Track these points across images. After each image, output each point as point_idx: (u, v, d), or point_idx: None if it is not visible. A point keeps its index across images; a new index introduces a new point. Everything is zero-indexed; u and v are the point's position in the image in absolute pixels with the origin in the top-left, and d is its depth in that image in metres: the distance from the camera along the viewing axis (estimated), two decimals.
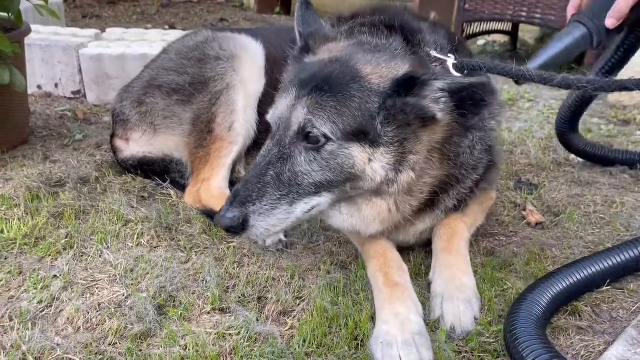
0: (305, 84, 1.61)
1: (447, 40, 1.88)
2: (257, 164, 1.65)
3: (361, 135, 1.56)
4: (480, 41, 6.09)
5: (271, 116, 1.70)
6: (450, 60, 1.73)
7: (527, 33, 5.94)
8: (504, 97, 3.97)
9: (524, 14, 4.62)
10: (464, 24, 5.06)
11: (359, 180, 1.61)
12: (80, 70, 3.62)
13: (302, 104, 1.57)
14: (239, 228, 1.56)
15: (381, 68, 1.62)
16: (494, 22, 5.36)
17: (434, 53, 1.75)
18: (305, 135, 1.57)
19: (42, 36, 3.70)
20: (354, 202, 1.71)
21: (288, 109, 1.62)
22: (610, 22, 1.83)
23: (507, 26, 5.67)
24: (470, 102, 1.54)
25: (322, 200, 1.63)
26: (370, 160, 1.58)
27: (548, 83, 1.68)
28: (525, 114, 3.71)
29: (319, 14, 1.93)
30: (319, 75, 1.61)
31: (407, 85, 1.55)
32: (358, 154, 1.57)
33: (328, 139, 1.55)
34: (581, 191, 2.53)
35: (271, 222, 1.58)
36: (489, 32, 5.64)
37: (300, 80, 1.63)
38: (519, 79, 1.72)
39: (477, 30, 5.41)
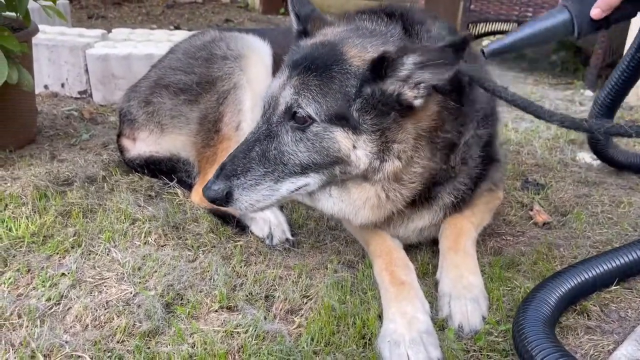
0: (296, 65, 1.66)
1: (449, 35, 1.87)
2: (246, 139, 1.70)
3: (343, 120, 1.58)
4: (485, 42, 6.08)
5: (264, 95, 1.75)
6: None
7: None
8: None
9: (529, 14, 4.62)
10: (469, 25, 5.05)
11: (347, 164, 1.63)
12: (86, 70, 3.63)
13: (291, 84, 1.62)
14: (222, 200, 1.63)
15: (367, 52, 1.63)
16: (500, 23, 5.35)
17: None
18: (292, 115, 1.61)
19: (48, 36, 3.72)
20: (345, 186, 1.72)
21: (279, 88, 1.66)
22: (596, 12, 1.69)
23: (513, 27, 5.66)
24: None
25: (310, 180, 1.66)
26: (354, 146, 1.60)
27: (523, 109, 1.65)
28: None
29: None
30: (308, 56, 1.65)
31: (380, 65, 1.55)
32: (342, 139, 1.59)
33: (312, 119, 1.59)
34: (588, 191, 2.53)
35: (255, 197, 1.63)
36: (494, 33, 5.62)
37: (293, 62, 1.68)
38: (495, 96, 1.71)
39: (483, 31, 5.39)
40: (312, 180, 1.66)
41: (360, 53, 1.62)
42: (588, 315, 1.69)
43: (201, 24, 6.95)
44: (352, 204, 1.73)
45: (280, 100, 1.64)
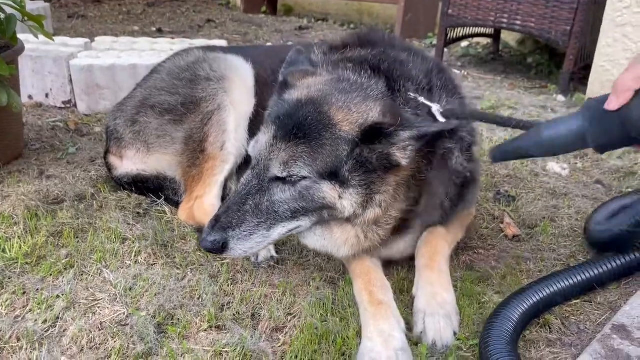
0: (282, 125, 1.72)
1: (440, 83, 1.97)
2: (238, 192, 1.78)
3: (332, 175, 1.70)
4: (464, 43, 6.22)
5: (252, 149, 1.82)
6: (435, 107, 1.81)
7: (510, 35, 6.08)
8: (485, 105, 4.10)
9: (504, 20, 4.74)
10: (448, 29, 5.17)
11: (333, 210, 1.76)
12: (70, 81, 3.68)
13: (281, 155, 1.69)
14: (218, 250, 1.73)
15: (352, 114, 1.71)
16: (476, 28, 5.49)
17: (421, 99, 1.82)
18: (283, 178, 1.71)
19: (32, 46, 3.73)
20: (328, 226, 1.84)
21: (266, 146, 1.73)
22: (612, 100, 1.43)
23: (490, 30, 5.80)
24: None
25: (302, 223, 1.78)
26: (340, 197, 1.72)
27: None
28: None
29: (308, 59, 2.02)
30: (294, 117, 1.71)
31: (373, 134, 1.67)
32: (329, 190, 1.71)
33: (304, 177, 1.70)
34: (556, 203, 2.67)
35: (249, 245, 1.73)
36: (472, 36, 5.77)
37: (278, 119, 1.74)
38: (501, 125, 1.81)
39: (461, 34, 5.53)
40: (304, 222, 1.77)
41: (347, 116, 1.70)
42: (550, 328, 1.83)
43: (183, 24, 6.97)
44: (333, 242, 1.86)
45: (271, 167, 1.71)
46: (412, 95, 1.85)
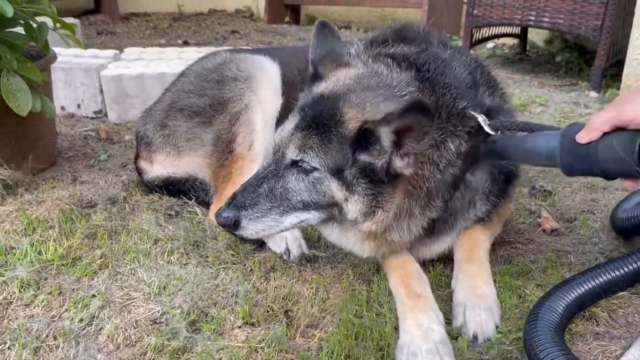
0: (304, 115, 1.74)
1: (483, 79, 1.93)
2: (257, 174, 1.82)
3: (340, 175, 1.67)
4: (490, 44, 6.14)
5: (277, 135, 1.86)
6: (481, 119, 1.75)
7: (537, 35, 5.98)
8: (515, 102, 4.02)
9: (532, 18, 4.67)
10: (473, 30, 5.11)
11: (341, 209, 1.73)
12: (101, 91, 3.75)
13: (296, 141, 1.71)
14: (231, 227, 1.78)
15: (365, 112, 1.66)
16: (502, 27, 5.41)
17: (469, 111, 1.76)
18: (298, 165, 1.72)
19: (64, 59, 3.82)
20: (343, 225, 1.82)
21: (288, 136, 1.75)
22: (582, 134, 1.49)
23: (516, 29, 5.72)
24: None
25: (311, 216, 1.78)
26: (347, 199, 1.70)
27: None
28: (537, 118, 3.77)
29: (335, 33, 1.99)
30: (315, 110, 1.72)
31: (367, 135, 1.62)
32: (337, 190, 1.69)
33: (316, 168, 1.69)
34: (595, 196, 2.59)
35: (260, 227, 1.77)
36: (498, 36, 5.69)
37: (303, 110, 1.77)
38: None
39: (487, 35, 5.46)
40: (312, 216, 1.77)
41: (357, 114, 1.66)
42: (597, 321, 1.75)
43: (208, 37, 7.06)
44: (349, 242, 1.87)
45: (287, 153, 1.73)
46: (460, 104, 1.76)
